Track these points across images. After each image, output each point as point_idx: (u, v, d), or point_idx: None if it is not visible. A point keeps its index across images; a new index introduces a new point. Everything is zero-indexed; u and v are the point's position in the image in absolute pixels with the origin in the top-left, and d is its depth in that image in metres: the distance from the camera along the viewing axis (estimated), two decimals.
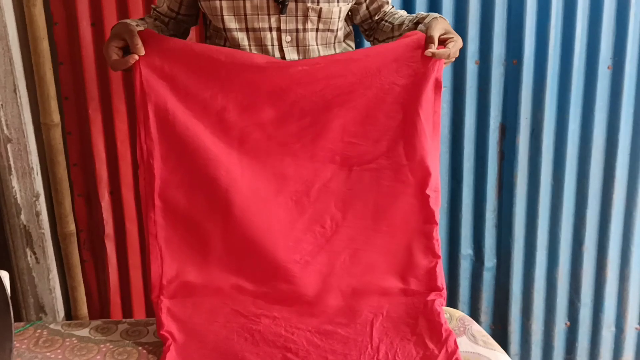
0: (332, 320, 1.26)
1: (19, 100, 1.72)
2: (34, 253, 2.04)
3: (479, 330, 1.23)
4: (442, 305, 1.26)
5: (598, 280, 2.10)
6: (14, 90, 1.71)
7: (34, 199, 1.85)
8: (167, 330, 1.21)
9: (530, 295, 2.10)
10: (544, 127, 1.91)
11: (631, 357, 2.17)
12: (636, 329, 2.14)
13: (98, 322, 1.32)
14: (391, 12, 1.42)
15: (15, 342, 1.24)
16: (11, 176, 1.77)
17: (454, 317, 1.26)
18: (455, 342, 1.15)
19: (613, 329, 2.14)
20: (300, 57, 1.30)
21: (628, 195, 1.99)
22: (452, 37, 1.26)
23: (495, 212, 2.01)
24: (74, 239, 2.09)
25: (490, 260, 2.05)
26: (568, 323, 2.13)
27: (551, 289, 2.10)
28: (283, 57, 1.29)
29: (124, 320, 1.33)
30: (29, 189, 1.83)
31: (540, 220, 1.99)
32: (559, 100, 1.90)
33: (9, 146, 1.74)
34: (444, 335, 1.17)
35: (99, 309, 2.22)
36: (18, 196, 1.81)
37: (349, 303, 1.25)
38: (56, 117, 1.77)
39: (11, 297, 2.09)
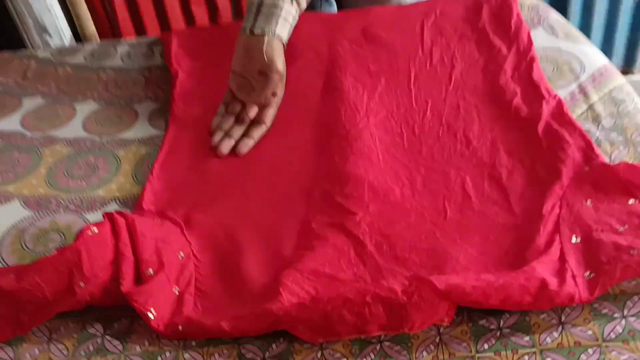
0: (374, 23, 1.03)
1: None
2: None
3: (558, 20, 0.98)
4: None
5: None
6: None
7: None
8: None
9: None
10: None
11: None
12: None
13: (93, 44, 1.11)
14: None
15: None
16: None
17: (524, 5, 1.00)
18: (529, 35, 0.92)
19: None
20: None
21: None
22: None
23: None
24: None
25: None
26: None
27: None
28: None
29: (122, 40, 1.12)
30: None
31: None
32: None
33: None
34: (514, 28, 0.93)
35: (108, 25, 2.02)
36: None
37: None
38: None
39: (8, 20, 1.91)
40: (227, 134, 0.86)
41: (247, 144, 0.85)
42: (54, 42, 1.85)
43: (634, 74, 2.03)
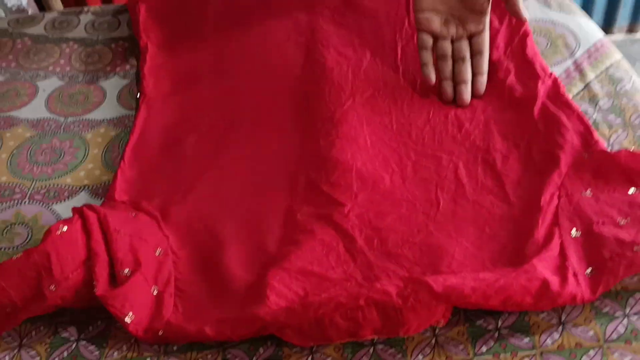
0: None
1: None
2: None
3: None
4: None
5: None
6: None
7: None
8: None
9: None
10: None
11: None
12: None
13: (54, 14, 1.03)
14: None
15: None
16: None
17: None
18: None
19: None
20: None
21: None
22: None
23: None
24: None
25: None
26: None
27: None
28: None
29: (85, 8, 1.04)
30: None
31: None
32: None
33: None
34: None
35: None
36: None
37: None
38: None
39: None
40: (461, 80, 0.76)
41: (483, 82, 0.77)
42: (11, 2, 1.74)
43: (614, 34, 2.00)
